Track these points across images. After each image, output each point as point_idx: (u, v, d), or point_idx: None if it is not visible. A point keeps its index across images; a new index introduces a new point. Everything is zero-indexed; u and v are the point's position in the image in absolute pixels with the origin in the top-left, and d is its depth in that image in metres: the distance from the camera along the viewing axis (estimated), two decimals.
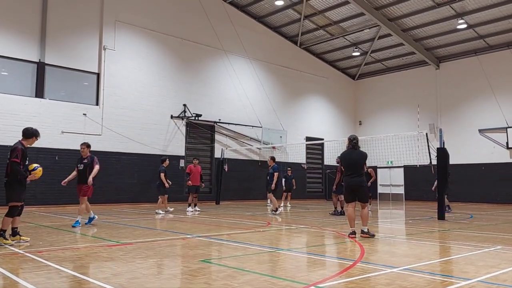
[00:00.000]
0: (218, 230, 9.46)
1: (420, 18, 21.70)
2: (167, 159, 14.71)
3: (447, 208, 15.81)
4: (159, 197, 14.09)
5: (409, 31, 22.98)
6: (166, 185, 13.88)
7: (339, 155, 14.12)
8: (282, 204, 18.85)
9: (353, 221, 8.29)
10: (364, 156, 8.54)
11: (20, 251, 6.28)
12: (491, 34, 21.99)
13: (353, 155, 8.45)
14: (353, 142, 8.54)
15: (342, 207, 13.92)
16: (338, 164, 13.98)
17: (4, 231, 6.90)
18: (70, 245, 6.96)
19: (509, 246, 7.24)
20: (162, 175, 13.91)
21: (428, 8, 20.65)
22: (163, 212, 13.83)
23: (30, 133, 7.37)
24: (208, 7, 21.46)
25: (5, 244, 6.77)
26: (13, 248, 6.53)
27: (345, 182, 8.48)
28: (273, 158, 15.00)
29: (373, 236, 8.08)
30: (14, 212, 7.00)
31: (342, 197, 13.81)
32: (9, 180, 6.96)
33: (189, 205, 14.88)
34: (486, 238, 8.40)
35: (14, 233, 7.14)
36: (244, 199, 21.48)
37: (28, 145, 7.33)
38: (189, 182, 14.85)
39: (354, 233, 8.09)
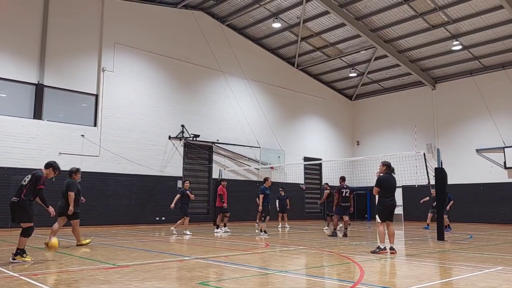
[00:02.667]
0: (216, 252, 9.36)
1: (415, 40, 22.01)
2: (188, 181, 14.82)
3: (446, 227, 15.83)
4: (183, 217, 14.30)
5: (405, 52, 23.28)
6: (172, 205, 14.08)
7: (342, 176, 14.43)
8: (279, 226, 18.74)
9: (384, 237, 9.08)
10: (395, 180, 9.40)
11: (15, 274, 6.20)
12: (486, 55, 22.27)
13: (392, 180, 9.31)
14: (391, 168, 9.37)
15: (335, 228, 14.12)
16: (339, 185, 14.00)
17: (22, 249, 7.35)
18: (66, 268, 6.86)
19: (510, 267, 7.17)
20: (178, 196, 14.16)
21: (423, 30, 20.97)
22: (190, 233, 13.97)
23: (46, 164, 8.07)
24: (206, 29, 21.76)
25: (24, 261, 7.20)
26: (8, 271, 6.44)
27: (385, 203, 9.20)
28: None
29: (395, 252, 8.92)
30: (30, 232, 7.45)
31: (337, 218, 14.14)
32: (20, 202, 7.42)
33: (218, 227, 15.25)
34: (486, 259, 8.34)
35: (22, 252, 7.46)
36: (242, 220, 21.32)
37: (47, 176, 7.92)
38: (225, 204, 15.26)
39: (384, 248, 8.94)
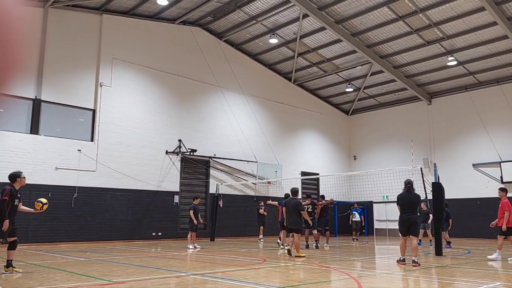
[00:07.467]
0: (213, 268, 9.29)
1: (410, 56, 22.24)
2: (199, 198, 15.78)
3: (446, 244, 15.75)
4: (189, 232, 15.03)
5: (401, 67, 23.48)
6: (195, 221, 14.71)
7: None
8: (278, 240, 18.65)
9: (405, 250, 9.93)
10: (417, 197, 10.13)
11: None
12: (481, 70, 22.49)
13: (408, 197, 10.06)
14: (407, 186, 10.12)
15: (316, 241, 15.41)
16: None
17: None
18: (61, 285, 6.78)
19: (508, 282, 7.14)
20: (191, 212, 14.85)
21: (418, 46, 21.20)
22: (192, 248, 14.53)
23: (11, 176, 8.29)
24: (204, 45, 21.92)
25: None
26: None
27: (401, 219, 10.02)
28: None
29: (419, 265, 9.34)
30: None
31: (315, 231, 15.59)
32: None
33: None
34: (485, 274, 8.30)
35: (8, 264, 7.82)
36: (240, 235, 21.21)
37: (21, 186, 8.29)
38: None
39: (403, 260, 9.74)
